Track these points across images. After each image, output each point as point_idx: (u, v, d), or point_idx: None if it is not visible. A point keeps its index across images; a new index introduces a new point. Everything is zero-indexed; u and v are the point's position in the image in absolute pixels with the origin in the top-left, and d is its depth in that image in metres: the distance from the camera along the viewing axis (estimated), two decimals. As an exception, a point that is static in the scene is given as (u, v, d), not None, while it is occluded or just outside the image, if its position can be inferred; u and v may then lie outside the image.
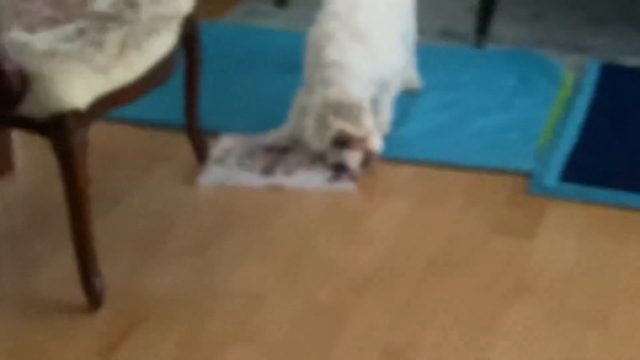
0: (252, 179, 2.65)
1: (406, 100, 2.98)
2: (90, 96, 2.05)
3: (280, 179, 2.65)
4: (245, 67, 3.23)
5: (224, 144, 2.80)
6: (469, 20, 3.44)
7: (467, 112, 2.94)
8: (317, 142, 2.64)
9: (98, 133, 2.81)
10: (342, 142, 2.60)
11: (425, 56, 3.09)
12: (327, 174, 2.66)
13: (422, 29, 3.09)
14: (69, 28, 2.16)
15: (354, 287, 2.26)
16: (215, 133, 2.83)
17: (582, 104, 2.94)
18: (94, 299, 2.16)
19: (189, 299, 2.24)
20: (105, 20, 2.21)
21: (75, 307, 2.20)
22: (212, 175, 2.66)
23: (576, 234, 2.43)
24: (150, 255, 2.38)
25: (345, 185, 2.63)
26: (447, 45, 3.37)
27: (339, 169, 2.64)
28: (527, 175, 2.65)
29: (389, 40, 2.75)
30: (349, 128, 2.57)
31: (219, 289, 2.27)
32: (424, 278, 2.29)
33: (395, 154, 2.74)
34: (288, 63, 3.18)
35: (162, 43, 2.27)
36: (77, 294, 2.19)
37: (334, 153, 2.63)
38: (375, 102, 2.77)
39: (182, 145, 2.74)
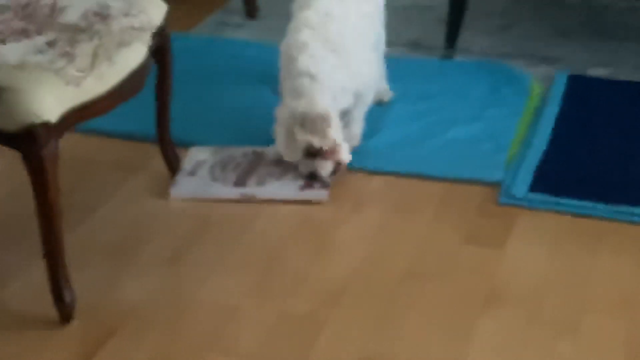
0: (224, 190, 2.65)
1: (377, 111, 2.99)
2: (61, 108, 2.04)
3: (252, 189, 2.65)
4: (216, 79, 3.22)
5: (195, 156, 2.79)
6: (438, 32, 3.46)
7: (438, 123, 2.95)
8: (288, 153, 2.64)
9: (70, 144, 2.81)
10: (313, 152, 2.61)
11: (395, 68, 3.10)
12: (299, 183, 2.66)
13: (392, 40, 3.11)
14: (40, 40, 2.15)
15: (328, 298, 2.26)
16: (187, 145, 2.83)
17: (551, 114, 2.97)
18: (64, 312, 2.15)
19: (162, 311, 2.23)
20: (76, 32, 2.21)
21: (47, 320, 2.18)
22: (184, 187, 2.66)
23: (546, 244, 2.45)
24: (122, 267, 2.37)
25: (317, 194, 2.63)
26: (416, 56, 3.38)
27: (311, 178, 2.64)
28: (497, 185, 2.66)
29: (362, 51, 2.77)
30: (315, 140, 2.58)
31: (192, 300, 2.27)
32: (397, 288, 2.30)
33: (367, 165, 2.75)
34: (259, 74, 3.20)
35: (133, 55, 2.26)
36: (49, 307, 2.18)
37: (305, 163, 2.64)
38: (347, 114, 2.78)
39: (154, 157, 2.73)
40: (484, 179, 2.69)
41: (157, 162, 2.73)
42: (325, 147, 2.59)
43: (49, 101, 2.00)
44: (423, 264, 2.38)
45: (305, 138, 2.58)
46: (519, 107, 3.03)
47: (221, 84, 3.20)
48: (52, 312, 2.17)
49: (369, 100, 2.83)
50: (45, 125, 1.99)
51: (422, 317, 2.20)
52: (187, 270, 2.37)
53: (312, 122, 2.58)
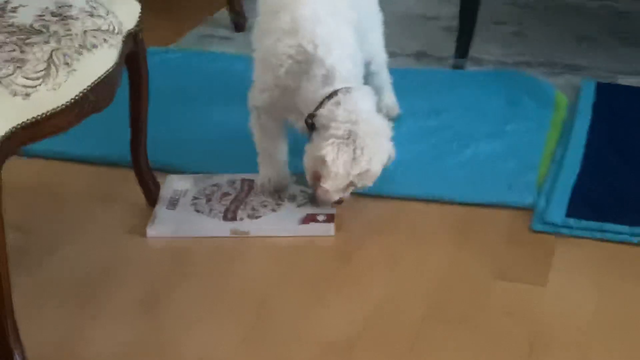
0: (211, 226, 2.27)
1: None
2: (7, 125, 1.66)
3: (244, 224, 2.27)
4: (200, 97, 2.89)
5: (174, 185, 2.42)
6: (446, 41, 3.14)
7: (452, 140, 2.61)
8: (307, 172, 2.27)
9: (30, 171, 2.51)
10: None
11: (401, 80, 2.79)
12: (299, 215, 2.28)
13: (396, 51, 2.83)
14: (-18, 43, 1.78)
15: (334, 351, 1.89)
16: (167, 171, 2.48)
17: (582, 127, 2.61)
18: (15, 375, 1.76)
19: (134, 368, 1.85)
20: (28, 35, 1.83)
21: (-5, 385, 1.79)
22: (163, 224, 2.27)
23: (591, 276, 2.09)
24: (86, 316, 2.00)
25: (322, 228, 2.26)
26: (424, 68, 3.03)
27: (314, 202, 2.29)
28: (528, 210, 2.30)
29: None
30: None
31: (169, 354, 1.89)
32: (417, 337, 1.92)
33: (374, 188, 2.38)
34: (244, 89, 2.83)
35: (98, 61, 1.90)
36: (-4, 369, 1.79)
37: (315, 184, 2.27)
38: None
39: (129, 185, 2.38)
40: (512, 202, 2.33)
41: (133, 191, 2.37)
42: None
43: (-9, 116, 1.62)
44: (448, 305, 2.01)
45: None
46: (544, 120, 2.68)
47: (206, 102, 2.87)
48: (1, 376, 1.79)
49: None
50: (-15, 145, 1.61)
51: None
52: (164, 318, 1.99)
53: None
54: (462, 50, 3.08)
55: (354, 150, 2.18)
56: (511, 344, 1.89)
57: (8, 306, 1.71)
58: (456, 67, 3.05)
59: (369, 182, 2.25)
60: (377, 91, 2.63)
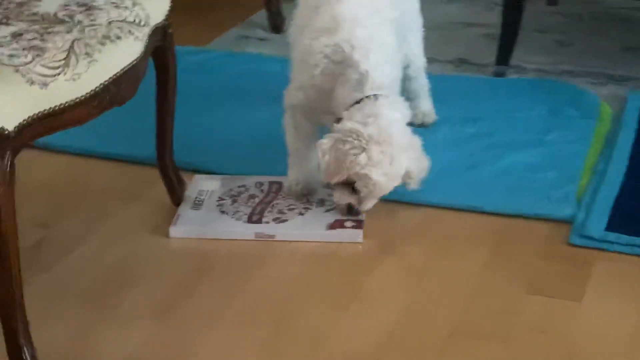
0: (235, 228, 2.19)
1: (419, 135, 2.52)
2: (22, 114, 1.60)
3: (270, 227, 2.19)
4: (233, 97, 2.83)
5: (200, 186, 2.35)
6: (487, 48, 3.06)
7: (489, 148, 2.52)
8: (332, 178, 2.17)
9: (51, 166, 2.44)
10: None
11: (438, 87, 2.70)
12: (327, 220, 2.20)
13: (435, 57, 2.76)
14: (4, 30, 1.72)
15: (357, 362, 1.80)
16: (194, 171, 2.42)
17: (626, 140, 2.50)
18: (23, 375, 1.69)
19: (148, 374, 1.78)
20: (51, 24, 1.77)
21: (3, 384, 1.73)
22: (186, 224, 2.20)
23: (630, 294, 1.99)
24: (100, 318, 1.93)
25: (351, 234, 2.17)
26: (463, 75, 2.94)
27: (350, 212, 2.19)
28: (566, 223, 2.20)
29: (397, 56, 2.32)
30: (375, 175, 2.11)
31: (186, 360, 1.81)
32: (444, 352, 1.83)
33: (406, 196, 2.29)
34: (279, 91, 2.76)
35: (122, 54, 1.83)
36: (5, 368, 1.73)
37: (345, 193, 2.17)
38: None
39: (154, 184, 2.30)
40: (550, 215, 2.23)
41: (158, 190, 2.30)
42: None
43: (5, 104, 1.56)
44: (476, 320, 1.92)
45: (366, 172, 2.11)
46: (586, 131, 2.57)
47: (238, 103, 2.81)
48: (10, 374, 1.72)
49: None
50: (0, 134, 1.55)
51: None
52: (180, 323, 1.92)
53: (381, 153, 2.11)
54: (504, 57, 2.99)
55: (352, 148, 2.08)
56: (543, 362, 1.79)
57: (18, 301, 1.65)
58: (497, 74, 2.96)
59: (375, 192, 2.13)
60: (414, 96, 2.56)
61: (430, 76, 2.65)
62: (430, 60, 2.65)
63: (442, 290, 2.02)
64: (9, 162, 1.55)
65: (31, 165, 2.49)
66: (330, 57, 2.19)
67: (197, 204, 2.28)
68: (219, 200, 2.30)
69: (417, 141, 2.20)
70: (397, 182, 2.16)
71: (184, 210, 2.26)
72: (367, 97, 2.14)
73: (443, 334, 1.87)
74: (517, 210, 2.25)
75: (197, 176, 2.39)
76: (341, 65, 2.18)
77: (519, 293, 1.98)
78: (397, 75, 2.27)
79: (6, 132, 1.56)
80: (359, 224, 2.19)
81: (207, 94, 2.84)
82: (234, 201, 2.29)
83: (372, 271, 2.08)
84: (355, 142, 2.09)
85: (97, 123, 2.62)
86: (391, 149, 2.10)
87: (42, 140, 2.51)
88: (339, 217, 2.21)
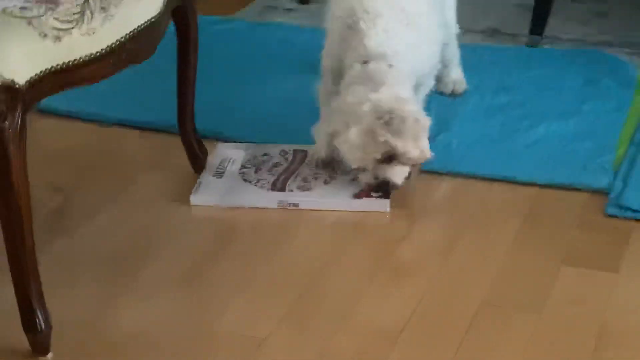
0: (259, 196, 2.12)
1: (449, 104, 2.50)
2: (34, 69, 1.54)
3: (294, 195, 2.12)
4: (259, 67, 2.78)
5: (223, 153, 2.28)
6: (521, 18, 2.97)
7: (523, 118, 2.44)
8: (360, 158, 2.08)
9: (76, 133, 2.40)
10: (390, 157, 2.06)
11: (470, 57, 2.62)
12: (354, 188, 2.13)
13: (468, 27, 2.67)
14: (16, -16, 1.66)
15: (383, 335, 1.73)
16: (219, 140, 2.36)
17: (665, 109, 2.41)
18: (37, 343, 1.64)
19: (167, 344, 1.72)
20: (67, -22, 1.71)
21: (16, 353, 1.68)
22: (208, 192, 2.14)
23: (669, 267, 1.89)
24: (121, 286, 1.87)
25: (378, 204, 2.09)
26: (497, 44, 2.85)
27: (381, 189, 2.09)
28: (603, 193, 2.11)
29: (434, 25, 2.23)
30: (402, 147, 2.02)
31: (207, 330, 1.75)
32: (475, 324, 1.75)
33: (436, 165, 2.21)
34: (309, 63, 2.69)
35: (140, 10, 1.77)
36: (19, 335, 1.67)
37: (376, 170, 2.08)
38: None
39: (177, 153, 2.24)
40: (585, 184, 2.14)
41: (180, 158, 2.24)
42: (414, 156, 2.04)
43: (17, 57, 1.50)
44: (507, 291, 1.84)
45: (391, 142, 2.02)
46: (624, 100, 2.49)
47: (264, 72, 2.75)
48: (23, 342, 1.66)
49: (430, 85, 2.30)
50: (9, 88, 1.49)
51: (509, 361, 1.65)
52: (203, 292, 1.86)
53: (402, 122, 2.02)
54: (538, 27, 2.90)
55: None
56: (576, 334, 1.71)
57: (31, 264, 1.59)
58: (530, 45, 2.87)
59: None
60: (444, 64, 2.47)
61: (462, 46, 2.56)
62: (461, 30, 2.56)
63: (472, 261, 1.94)
64: (20, 118, 1.49)
65: (53, 133, 2.45)
66: (345, 21, 2.12)
67: (219, 172, 2.22)
68: (241, 169, 2.23)
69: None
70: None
71: (206, 178, 2.19)
72: (364, 63, 2.07)
73: (473, 305, 1.79)
74: (551, 180, 2.17)
75: (220, 144, 2.33)
76: (351, 30, 2.11)
77: (554, 264, 1.90)
78: (417, 43, 2.17)
79: (17, 86, 1.49)
80: (386, 193, 2.12)
81: (232, 63, 2.79)
82: (257, 169, 2.23)
83: (399, 241, 2.01)
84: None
85: (120, 91, 2.62)
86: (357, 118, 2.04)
87: (64, 108, 2.54)
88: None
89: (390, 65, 2.08)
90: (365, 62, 2.08)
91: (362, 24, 2.10)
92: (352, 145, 2.05)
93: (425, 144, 2.05)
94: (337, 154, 2.16)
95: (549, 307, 1.78)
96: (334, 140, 2.11)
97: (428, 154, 2.06)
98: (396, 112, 2.01)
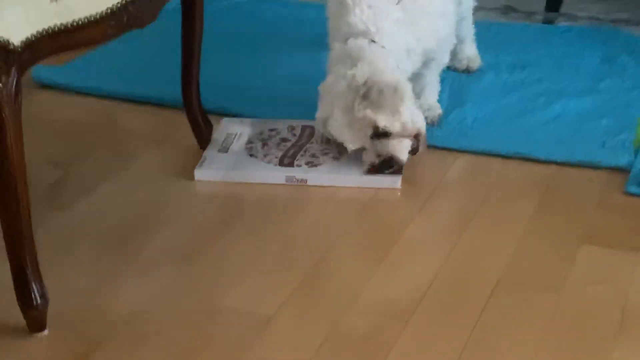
0: (265, 171, 2.05)
1: (463, 80, 2.44)
2: (30, 28, 1.46)
3: (302, 171, 2.05)
4: (267, 42, 2.72)
5: (228, 128, 2.21)
6: (536, -5, 2.89)
7: (539, 96, 2.37)
8: (351, 139, 2.02)
9: (80, 107, 2.36)
10: (386, 132, 1.98)
11: (485, 34, 2.57)
12: (363, 165, 2.05)
13: (483, 3, 2.61)
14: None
15: (394, 314, 1.65)
16: (226, 115, 2.30)
17: (686, 87, 2.33)
18: (33, 318, 1.57)
19: (166, 321, 1.65)
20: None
21: (11, 329, 1.61)
22: (213, 167, 2.07)
23: (692, 247, 1.81)
24: (121, 262, 1.79)
25: (389, 180, 2.02)
26: (511, 22, 2.78)
27: (386, 167, 2.02)
28: (623, 171, 2.03)
29: (436, 3, 2.15)
30: (382, 119, 1.95)
31: (212, 308, 1.68)
32: (490, 304, 1.67)
33: (450, 143, 2.15)
34: (317, 39, 2.63)
35: (142, -27, 1.68)
36: (13, 311, 1.60)
37: (376, 146, 2.01)
38: (417, 79, 2.17)
39: (182, 128, 2.18)
40: (605, 162, 2.07)
41: (185, 133, 2.17)
42: (395, 129, 1.97)
43: (12, 16, 1.43)
44: (524, 270, 1.76)
45: (370, 116, 1.96)
46: (642, 78, 2.40)
47: (272, 48, 2.70)
48: (18, 318, 1.59)
49: (444, 60, 2.22)
50: (4, 48, 1.42)
51: (522, 344, 1.57)
52: (207, 268, 1.78)
53: (379, 93, 1.96)
54: (554, 4, 2.83)
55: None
56: (598, 314, 1.63)
57: (27, 235, 1.51)
58: (546, 22, 2.80)
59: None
60: (459, 40, 2.39)
61: (476, 23, 2.50)
62: (475, 8, 2.49)
63: (487, 239, 1.86)
64: (15, 80, 1.42)
65: (56, 106, 2.40)
66: None
67: (225, 147, 2.15)
68: (248, 144, 2.16)
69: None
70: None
71: (211, 152, 2.12)
72: (347, 40, 2.03)
73: (488, 283, 1.72)
74: (569, 158, 2.09)
75: (225, 119, 2.26)
76: (341, 6, 2.05)
77: (573, 243, 1.83)
78: (411, 19, 2.10)
79: (11, 46, 1.42)
80: (397, 170, 2.04)
81: (239, 38, 2.74)
82: (264, 144, 2.15)
83: (411, 219, 1.93)
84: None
85: (124, 65, 2.55)
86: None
87: (67, 81, 2.47)
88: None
89: (372, 41, 2.01)
90: (346, 40, 2.03)
91: (349, 0, 2.04)
92: (339, 126, 2.00)
93: (408, 112, 1.98)
94: (334, 139, 2.10)
95: (569, 287, 1.71)
96: (326, 126, 2.05)
97: (419, 121, 1.99)
98: (371, 83, 1.95)
